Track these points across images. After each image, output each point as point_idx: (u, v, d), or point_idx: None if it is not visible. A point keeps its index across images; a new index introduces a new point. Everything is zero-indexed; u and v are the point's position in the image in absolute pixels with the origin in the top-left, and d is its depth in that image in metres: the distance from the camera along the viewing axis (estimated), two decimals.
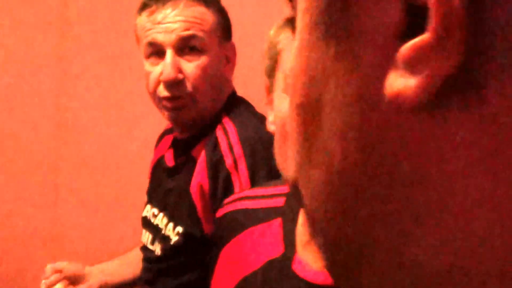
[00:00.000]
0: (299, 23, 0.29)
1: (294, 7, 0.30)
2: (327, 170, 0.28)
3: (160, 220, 1.50)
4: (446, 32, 0.23)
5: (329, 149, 0.28)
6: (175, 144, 1.53)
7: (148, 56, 1.43)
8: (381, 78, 0.25)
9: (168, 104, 1.42)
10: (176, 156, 1.51)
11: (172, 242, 1.44)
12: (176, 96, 1.40)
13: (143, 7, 1.45)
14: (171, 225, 1.45)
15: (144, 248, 1.55)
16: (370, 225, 0.27)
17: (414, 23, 0.24)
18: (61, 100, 2.32)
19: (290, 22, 0.32)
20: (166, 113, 1.44)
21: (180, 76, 1.39)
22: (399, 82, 0.25)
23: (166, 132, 1.63)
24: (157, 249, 1.49)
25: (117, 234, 2.25)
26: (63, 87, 2.32)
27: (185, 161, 1.47)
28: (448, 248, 0.25)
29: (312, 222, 0.30)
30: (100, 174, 2.32)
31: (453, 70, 0.24)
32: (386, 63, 0.25)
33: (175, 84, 1.39)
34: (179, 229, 1.42)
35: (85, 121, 2.33)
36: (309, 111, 0.29)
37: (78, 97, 2.32)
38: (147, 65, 1.44)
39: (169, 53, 1.39)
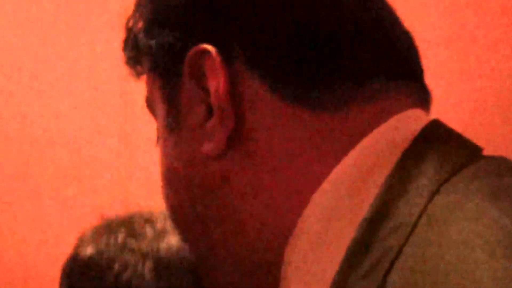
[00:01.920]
0: (160, 132, 0.56)
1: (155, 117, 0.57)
2: (178, 204, 0.54)
3: None
4: (221, 119, 0.50)
5: (179, 196, 0.54)
6: None
7: None
8: (200, 146, 0.51)
9: None
10: None
11: None
12: None
13: None
14: None
15: None
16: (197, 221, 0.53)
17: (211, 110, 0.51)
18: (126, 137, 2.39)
19: None
20: None
21: None
22: (207, 146, 0.51)
23: None
24: None
25: None
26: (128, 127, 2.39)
27: None
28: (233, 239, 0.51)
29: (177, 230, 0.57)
30: None
31: (229, 134, 0.50)
32: (201, 139, 0.51)
33: None
34: None
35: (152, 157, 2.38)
36: (167, 171, 0.55)
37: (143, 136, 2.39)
38: None
39: None
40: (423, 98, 0.52)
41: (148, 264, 0.64)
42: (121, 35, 0.58)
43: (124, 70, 0.59)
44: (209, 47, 0.50)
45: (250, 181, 0.50)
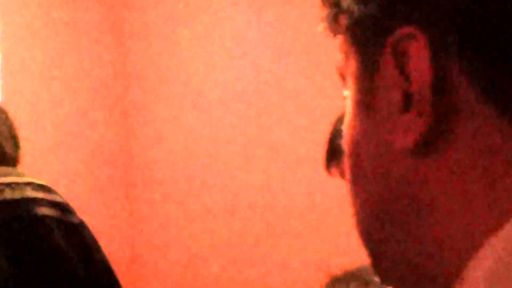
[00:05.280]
0: (348, 104, 0.51)
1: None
2: (365, 198, 0.50)
3: None
4: (420, 112, 0.45)
5: (367, 187, 0.50)
6: None
7: None
8: (390, 136, 0.47)
9: None
10: None
11: None
12: None
13: None
14: None
15: None
16: (386, 227, 0.49)
17: (407, 101, 0.46)
18: None
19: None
20: None
21: None
22: (401, 139, 0.46)
23: None
24: None
25: None
26: None
27: None
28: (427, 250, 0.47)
29: (356, 225, 0.52)
30: None
31: (425, 130, 0.45)
32: (393, 129, 0.46)
33: None
34: None
35: None
36: (352, 159, 0.50)
37: None
38: None
39: None
40: None
41: None
42: None
43: None
44: (416, 32, 0.45)
45: (446, 190, 0.45)
